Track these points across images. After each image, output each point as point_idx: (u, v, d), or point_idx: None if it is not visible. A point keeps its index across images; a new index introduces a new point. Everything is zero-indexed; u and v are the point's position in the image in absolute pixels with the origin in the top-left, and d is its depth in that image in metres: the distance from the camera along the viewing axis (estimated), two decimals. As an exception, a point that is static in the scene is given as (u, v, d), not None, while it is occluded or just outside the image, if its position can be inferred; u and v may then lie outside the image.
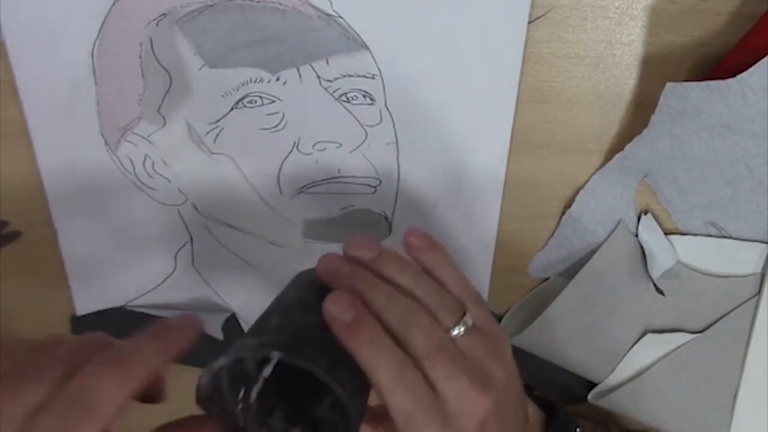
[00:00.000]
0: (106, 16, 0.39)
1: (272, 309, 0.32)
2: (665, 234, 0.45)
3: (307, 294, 0.32)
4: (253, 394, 0.31)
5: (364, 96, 0.41)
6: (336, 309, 0.30)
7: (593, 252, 0.45)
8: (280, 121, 0.42)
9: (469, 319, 0.32)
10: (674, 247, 0.45)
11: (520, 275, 0.48)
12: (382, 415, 0.34)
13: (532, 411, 0.39)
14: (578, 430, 0.41)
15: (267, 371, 0.30)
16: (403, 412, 0.29)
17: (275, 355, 0.28)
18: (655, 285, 0.45)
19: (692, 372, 0.47)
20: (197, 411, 0.33)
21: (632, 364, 0.47)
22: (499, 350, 0.33)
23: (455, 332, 0.32)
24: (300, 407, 0.32)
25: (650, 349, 0.47)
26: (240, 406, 0.31)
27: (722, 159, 0.41)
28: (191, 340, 0.32)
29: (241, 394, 0.31)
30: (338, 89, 0.41)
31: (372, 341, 0.29)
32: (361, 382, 0.29)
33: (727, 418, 0.48)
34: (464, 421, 0.30)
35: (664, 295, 0.45)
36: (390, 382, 0.29)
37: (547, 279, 0.48)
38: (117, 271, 0.48)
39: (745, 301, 0.46)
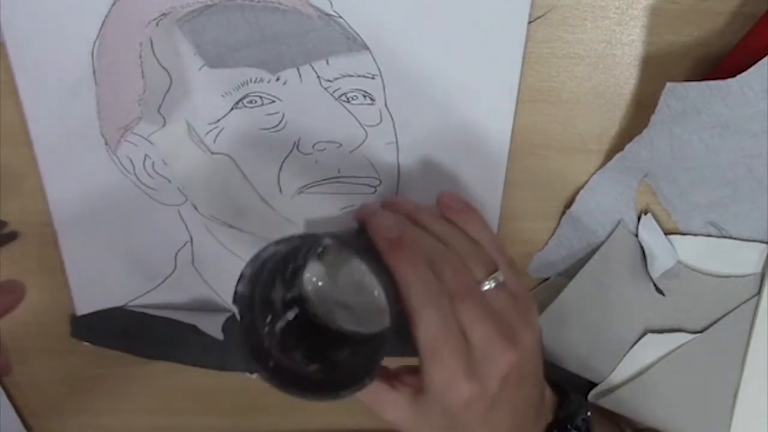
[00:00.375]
0: (106, 16, 0.39)
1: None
2: (665, 234, 0.45)
3: (354, 231, 0.33)
4: (278, 328, 0.31)
5: (364, 96, 0.41)
6: (384, 223, 0.31)
7: (593, 252, 0.45)
8: (280, 121, 0.42)
9: (500, 275, 0.32)
10: (674, 247, 0.45)
11: (520, 275, 0.48)
12: (399, 373, 0.34)
13: (546, 392, 0.39)
14: (589, 413, 0.41)
15: (291, 315, 0.31)
16: (429, 340, 0.29)
17: (327, 243, 0.29)
18: (655, 285, 0.45)
19: (692, 372, 0.47)
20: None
21: (632, 364, 0.47)
22: (528, 313, 0.33)
23: (486, 286, 0.32)
24: (319, 350, 0.32)
25: (650, 349, 0.47)
26: (266, 329, 0.31)
27: (722, 159, 0.41)
28: (12, 306, 0.32)
29: (269, 319, 0.31)
30: (338, 89, 0.41)
31: (411, 259, 0.30)
32: (389, 325, 0.30)
33: (727, 418, 0.48)
34: (488, 369, 0.30)
35: (664, 295, 0.45)
36: (422, 302, 0.29)
37: (547, 279, 0.48)
38: (117, 271, 0.48)
39: (745, 301, 0.46)
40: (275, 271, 0.32)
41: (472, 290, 0.31)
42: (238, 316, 0.31)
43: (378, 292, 0.33)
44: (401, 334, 0.30)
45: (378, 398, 0.33)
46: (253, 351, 0.31)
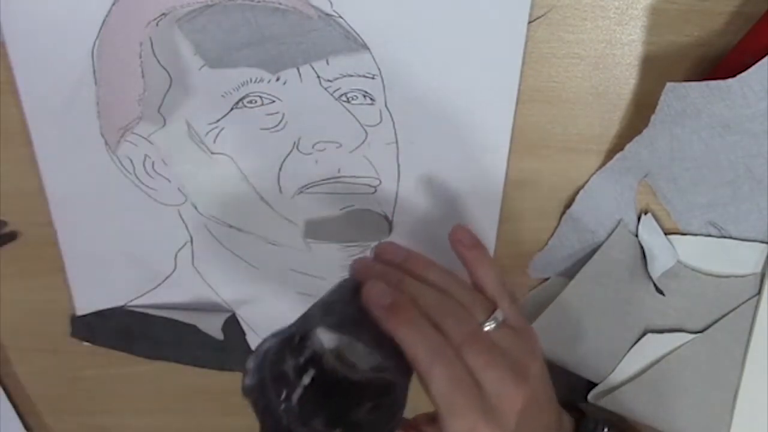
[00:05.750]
0: (106, 16, 0.39)
1: (311, 308, 0.33)
2: (665, 234, 0.45)
3: (347, 295, 0.33)
4: (294, 399, 0.31)
5: (364, 96, 0.41)
6: (375, 292, 0.31)
7: (593, 252, 0.45)
8: (280, 121, 0.42)
9: (499, 314, 0.33)
10: (674, 247, 0.45)
11: (520, 275, 0.48)
12: (419, 423, 0.34)
13: (564, 417, 0.40)
14: (606, 430, 0.42)
15: (306, 379, 0.30)
16: (444, 396, 0.29)
17: (321, 332, 0.29)
18: (655, 285, 0.45)
19: (692, 372, 0.47)
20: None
21: (632, 364, 0.47)
22: (532, 345, 0.33)
23: (487, 327, 0.32)
24: (341, 412, 0.32)
25: (650, 349, 0.47)
26: (283, 406, 0.31)
27: (722, 159, 0.41)
28: None
29: (284, 395, 0.31)
30: (338, 89, 0.41)
31: (410, 321, 0.30)
32: (403, 377, 0.30)
33: (727, 418, 0.48)
34: (504, 408, 0.30)
35: (664, 295, 0.45)
36: (430, 361, 0.29)
37: (547, 279, 0.48)
38: (117, 271, 0.48)
39: (745, 301, 0.46)
40: (281, 351, 0.31)
41: (477, 335, 0.31)
42: (252, 406, 0.31)
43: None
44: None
45: None
46: None
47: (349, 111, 0.42)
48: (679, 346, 0.46)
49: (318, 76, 0.41)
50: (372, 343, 0.30)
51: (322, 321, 0.30)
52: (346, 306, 0.32)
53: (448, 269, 0.34)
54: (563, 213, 0.45)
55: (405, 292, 0.32)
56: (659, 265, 0.45)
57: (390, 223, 0.46)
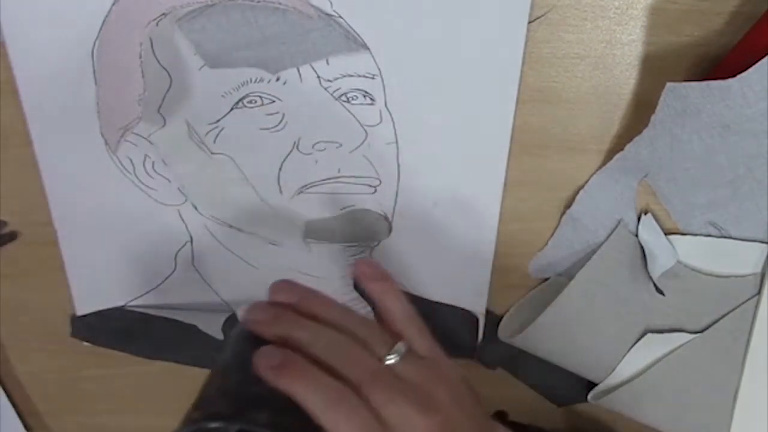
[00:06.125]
0: (106, 16, 0.39)
1: (213, 372, 0.32)
2: (665, 234, 0.45)
3: (243, 347, 0.32)
4: None
5: (364, 96, 0.41)
6: (263, 360, 0.30)
7: (593, 252, 0.45)
8: (280, 121, 0.42)
9: (401, 346, 0.32)
10: (674, 247, 0.45)
11: (520, 275, 0.48)
12: None
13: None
14: None
15: None
16: None
17: (214, 426, 0.29)
18: (655, 285, 0.45)
19: (692, 372, 0.47)
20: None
21: (632, 364, 0.47)
22: (440, 372, 0.33)
23: (389, 360, 0.32)
24: None
25: (650, 349, 0.47)
26: None
27: (722, 159, 0.41)
28: None
29: None
30: (338, 89, 0.41)
31: (301, 375, 0.29)
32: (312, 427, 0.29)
33: (727, 418, 0.48)
34: None
35: (664, 295, 0.45)
36: (327, 411, 0.29)
37: (547, 279, 0.48)
38: (117, 271, 0.48)
39: (745, 301, 0.46)
40: None
41: (376, 372, 0.31)
42: None
43: None
44: None
45: None
46: None
47: (349, 111, 0.42)
48: (679, 346, 0.46)
49: (318, 76, 0.41)
50: (274, 412, 0.29)
51: (218, 411, 0.30)
52: (243, 371, 0.31)
53: (346, 306, 0.34)
54: (563, 213, 0.45)
55: (296, 339, 0.31)
56: (659, 265, 0.45)
57: (390, 223, 0.46)
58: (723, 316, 0.46)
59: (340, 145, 0.43)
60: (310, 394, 0.29)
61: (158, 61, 0.40)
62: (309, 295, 0.34)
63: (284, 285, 0.34)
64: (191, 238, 0.47)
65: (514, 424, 0.43)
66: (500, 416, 0.44)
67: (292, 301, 0.34)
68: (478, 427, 0.34)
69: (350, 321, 0.33)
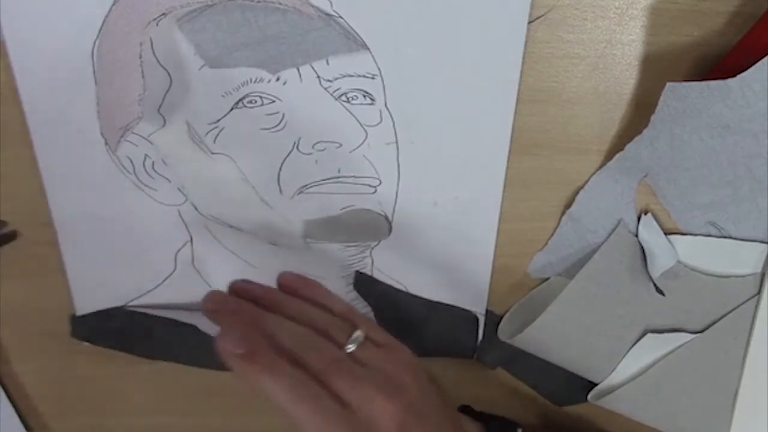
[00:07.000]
0: (106, 16, 0.39)
1: None
2: (665, 234, 0.45)
3: None
4: None
5: (364, 96, 0.41)
6: (228, 344, 0.30)
7: (593, 252, 0.45)
8: (280, 121, 0.42)
9: (360, 334, 0.33)
10: (674, 247, 0.45)
11: (520, 275, 0.48)
12: None
13: (468, 423, 0.40)
14: (520, 430, 0.43)
15: None
16: (313, 428, 0.29)
17: None
18: (655, 285, 0.45)
19: (692, 372, 0.47)
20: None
21: (632, 364, 0.47)
22: (400, 358, 0.33)
23: (349, 347, 0.32)
24: None
25: (650, 349, 0.47)
26: None
27: (722, 159, 0.41)
28: None
29: None
30: (338, 89, 0.41)
31: (268, 367, 0.29)
32: None
33: (727, 418, 0.48)
34: (381, 425, 0.30)
35: (664, 295, 0.45)
36: (294, 401, 0.29)
37: (547, 279, 0.48)
38: (117, 271, 0.48)
39: (745, 301, 0.46)
40: None
41: (338, 360, 0.31)
42: None
43: None
44: None
45: None
46: None
47: (349, 111, 0.42)
48: (679, 346, 0.46)
49: (318, 76, 0.41)
50: None
51: None
52: None
53: (304, 300, 0.34)
54: (563, 213, 0.45)
55: (261, 329, 0.31)
56: (659, 265, 0.45)
57: (390, 223, 0.46)
58: (723, 316, 0.46)
59: (340, 145, 0.43)
60: (276, 384, 0.29)
61: (158, 61, 0.40)
62: (268, 289, 0.35)
63: (245, 284, 0.35)
64: (191, 238, 0.47)
65: (482, 414, 0.43)
66: (465, 410, 0.45)
67: (254, 296, 0.34)
68: (442, 411, 0.34)
69: (309, 312, 0.33)
